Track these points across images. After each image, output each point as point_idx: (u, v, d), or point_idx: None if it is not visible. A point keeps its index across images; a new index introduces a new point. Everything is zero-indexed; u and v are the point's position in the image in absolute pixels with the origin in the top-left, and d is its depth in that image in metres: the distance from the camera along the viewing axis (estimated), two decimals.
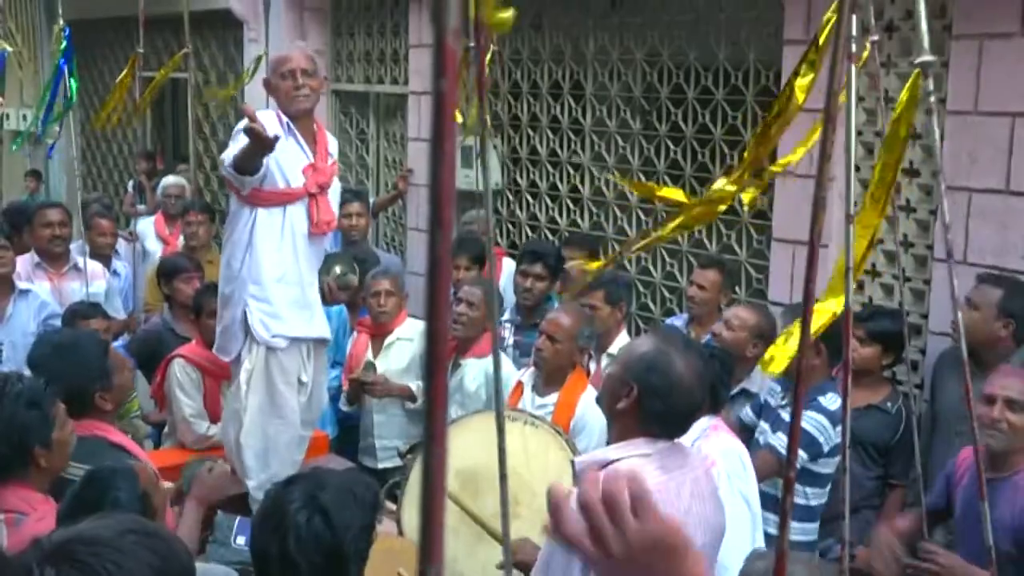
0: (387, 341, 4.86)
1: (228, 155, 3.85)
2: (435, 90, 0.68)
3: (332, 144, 4.26)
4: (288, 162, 3.99)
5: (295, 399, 4.10)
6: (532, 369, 4.27)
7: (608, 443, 2.55)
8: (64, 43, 6.24)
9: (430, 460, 0.64)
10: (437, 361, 0.66)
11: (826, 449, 3.72)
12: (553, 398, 4.05)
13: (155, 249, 6.71)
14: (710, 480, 2.56)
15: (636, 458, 2.36)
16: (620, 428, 2.45)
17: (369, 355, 4.87)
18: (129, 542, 1.53)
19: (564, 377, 4.09)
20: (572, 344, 4.08)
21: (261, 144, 3.59)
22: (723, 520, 2.58)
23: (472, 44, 6.09)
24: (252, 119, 3.56)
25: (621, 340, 4.41)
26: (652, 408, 2.38)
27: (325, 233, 4.12)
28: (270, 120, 4.03)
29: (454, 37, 0.66)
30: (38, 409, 2.70)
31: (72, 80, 6.49)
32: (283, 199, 3.98)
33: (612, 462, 2.35)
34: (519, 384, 4.23)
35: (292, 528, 2.07)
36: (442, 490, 0.65)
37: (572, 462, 2.53)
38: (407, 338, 4.85)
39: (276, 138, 3.62)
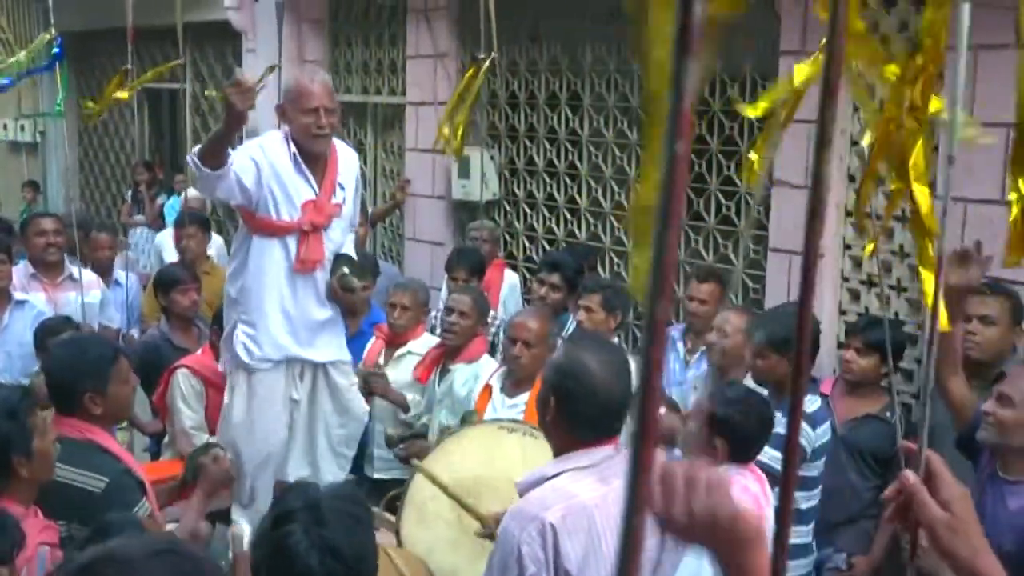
0: (399, 352, 4.88)
1: (199, 146, 3.88)
2: (669, 153, 0.64)
3: (348, 164, 4.20)
4: (289, 193, 3.98)
5: (281, 417, 4.16)
6: (500, 371, 4.28)
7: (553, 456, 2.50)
8: (55, 50, 6.23)
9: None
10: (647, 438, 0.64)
11: (809, 452, 3.72)
12: (524, 398, 4.07)
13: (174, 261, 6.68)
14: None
15: (573, 471, 2.33)
16: (556, 443, 2.42)
17: (380, 361, 4.90)
18: (157, 563, 1.51)
19: (534, 378, 4.12)
20: (544, 347, 4.12)
21: (235, 115, 3.61)
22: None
23: (481, 56, 6.10)
24: (239, 83, 3.59)
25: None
26: (576, 413, 2.34)
27: (311, 271, 4.07)
28: (276, 141, 4.03)
29: (691, 100, 0.63)
30: (14, 419, 2.68)
31: (60, 95, 6.49)
32: (274, 230, 3.99)
33: (551, 477, 2.33)
34: (487, 387, 4.25)
35: (307, 573, 2.00)
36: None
37: (516, 484, 2.47)
38: (419, 353, 4.87)
39: (243, 114, 3.63)
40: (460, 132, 5.91)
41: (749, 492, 2.97)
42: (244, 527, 3.26)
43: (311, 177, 4.02)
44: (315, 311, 4.13)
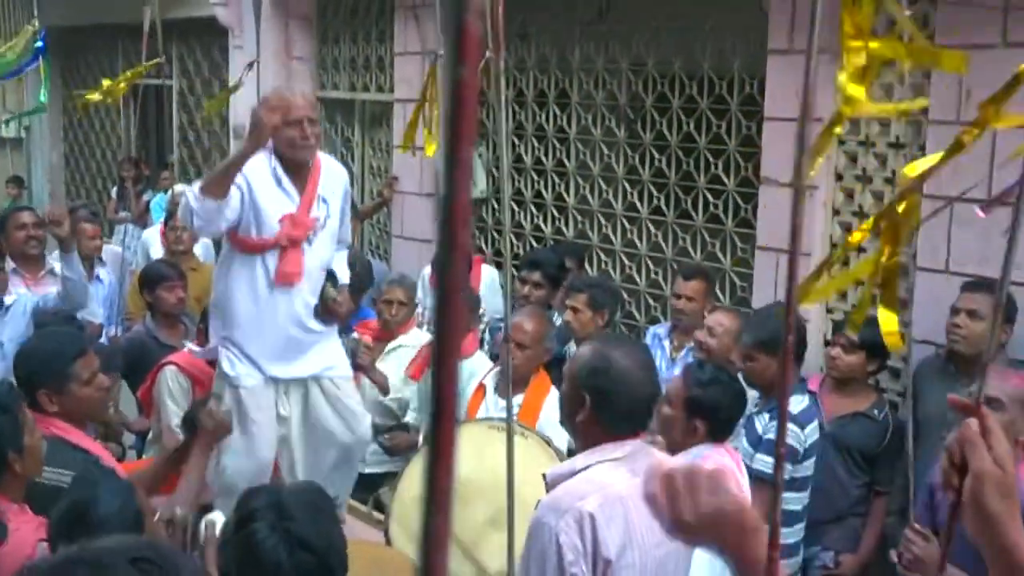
0: (390, 346, 4.88)
1: (202, 179, 3.88)
2: (452, 79, 0.56)
3: (333, 178, 4.10)
4: (268, 210, 3.92)
5: (270, 432, 4.11)
6: (495, 371, 4.28)
7: (576, 452, 2.53)
8: (38, 44, 6.20)
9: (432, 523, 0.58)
10: (445, 397, 0.58)
11: (802, 452, 3.74)
12: (518, 400, 4.08)
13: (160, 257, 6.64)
14: None
15: (607, 463, 2.36)
16: (585, 437, 2.45)
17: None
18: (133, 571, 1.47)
19: (528, 378, 4.13)
20: (540, 348, 4.14)
21: (261, 133, 3.68)
22: None
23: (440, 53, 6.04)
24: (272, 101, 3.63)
25: None
26: (610, 410, 2.39)
27: (288, 285, 3.98)
28: (257, 158, 3.97)
29: (476, 18, 0.55)
30: (7, 413, 2.67)
31: (43, 87, 6.46)
32: (254, 248, 3.94)
33: (582, 470, 2.36)
34: (481, 386, 4.25)
35: (278, 568, 1.99)
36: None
37: (544, 475, 2.51)
38: (411, 345, 4.87)
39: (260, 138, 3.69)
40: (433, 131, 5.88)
41: (725, 469, 3.00)
42: (218, 515, 3.24)
43: (292, 190, 3.95)
44: (294, 328, 4.03)
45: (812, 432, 3.76)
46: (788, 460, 3.73)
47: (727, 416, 3.13)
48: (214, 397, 3.50)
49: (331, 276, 4.12)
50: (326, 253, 4.09)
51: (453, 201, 0.55)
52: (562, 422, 2.61)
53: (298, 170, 3.96)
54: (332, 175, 4.12)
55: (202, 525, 3.14)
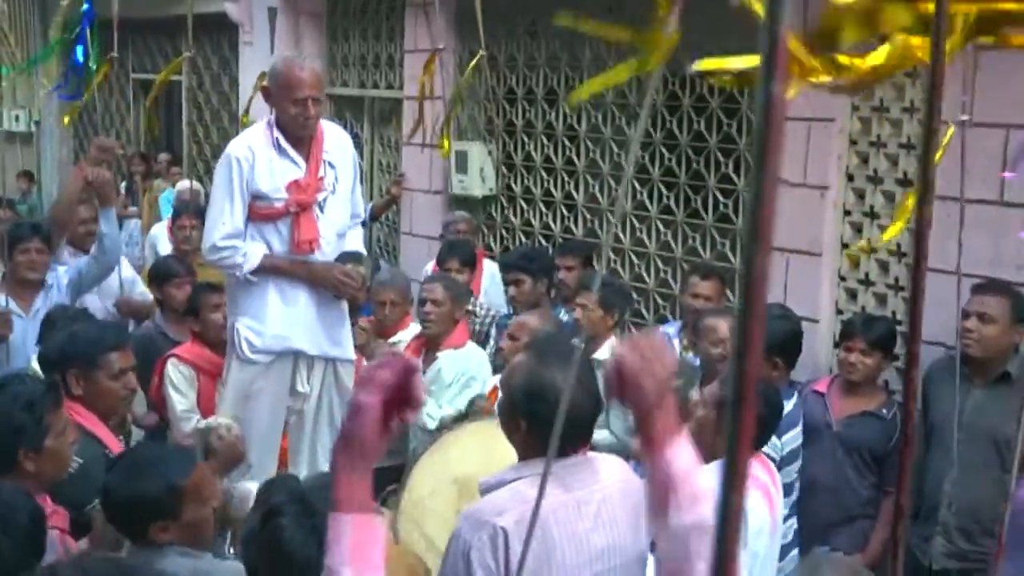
0: (391, 341, 4.89)
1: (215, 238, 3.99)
2: (765, 95, 0.59)
3: (337, 143, 4.13)
4: (276, 178, 3.95)
5: (277, 412, 4.13)
6: None
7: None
8: (85, 5, 6.18)
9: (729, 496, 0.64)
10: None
11: (778, 459, 3.71)
12: None
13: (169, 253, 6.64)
14: (627, 499, 2.41)
15: (533, 477, 2.28)
16: (522, 451, 2.38)
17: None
18: None
19: None
20: None
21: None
22: (642, 546, 2.42)
23: (484, 52, 6.07)
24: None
25: (610, 346, 4.43)
26: (545, 433, 2.26)
27: (308, 253, 4.01)
28: (258, 135, 4.00)
29: (788, 35, 0.58)
30: (31, 412, 2.69)
31: (93, 48, 6.44)
32: (266, 215, 3.97)
33: (511, 481, 2.30)
34: (495, 389, 4.26)
35: (306, 565, 1.96)
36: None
37: (480, 482, 2.43)
38: (408, 342, 4.88)
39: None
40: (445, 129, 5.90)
41: (758, 481, 2.95)
42: (250, 486, 3.25)
43: (296, 158, 3.99)
44: (315, 299, 4.08)
45: (793, 439, 3.73)
46: None
47: (762, 424, 3.10)
48: (224, 425, 3.47)
49: (354, 258, 4.14)
50: (340, 219, 4.13)
51: (763, 202, 0.61)
52: (504, 433, 2.51)
53: (301, 138, 4.00)
54: (336, 141, 4.15)
55: (235, 497, 3.10)
